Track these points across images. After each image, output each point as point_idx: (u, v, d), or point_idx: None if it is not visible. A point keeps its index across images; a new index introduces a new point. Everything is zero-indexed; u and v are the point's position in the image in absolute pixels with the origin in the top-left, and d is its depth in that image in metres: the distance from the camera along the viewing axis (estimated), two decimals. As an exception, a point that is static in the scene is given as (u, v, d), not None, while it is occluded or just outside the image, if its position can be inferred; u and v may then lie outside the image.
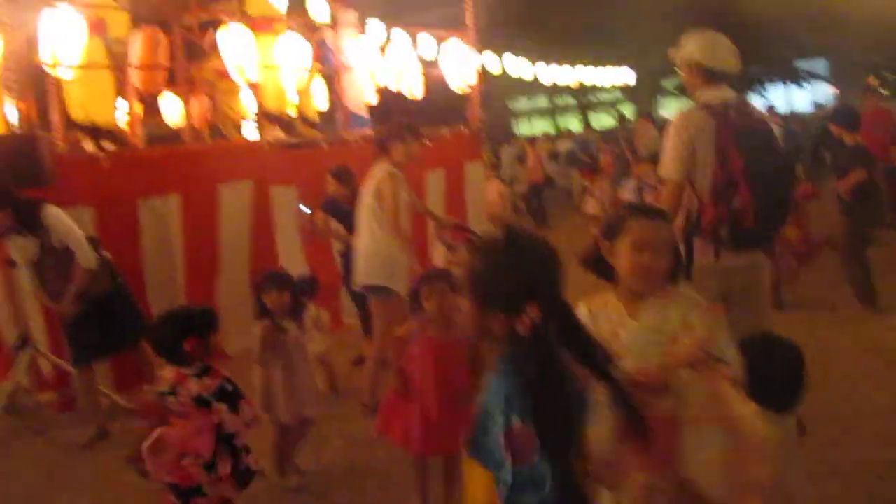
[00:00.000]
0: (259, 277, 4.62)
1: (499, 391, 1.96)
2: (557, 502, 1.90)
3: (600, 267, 2.62)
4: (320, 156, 8.24)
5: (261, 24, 8.22)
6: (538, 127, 33.93)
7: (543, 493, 1.89)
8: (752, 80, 30.22)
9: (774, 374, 2.72)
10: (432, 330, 3.87)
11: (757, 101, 31.64)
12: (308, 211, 6.79)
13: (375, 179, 5.61)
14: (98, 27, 7.42)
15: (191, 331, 3.57)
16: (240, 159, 7.83)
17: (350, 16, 9.94)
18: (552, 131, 29.50)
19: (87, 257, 5.48)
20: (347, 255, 6.85)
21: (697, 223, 3.92)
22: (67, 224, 5.50)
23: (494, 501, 1.99)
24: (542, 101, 35.98)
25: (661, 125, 17.70)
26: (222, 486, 3.53)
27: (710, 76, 4.07)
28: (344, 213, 6.73)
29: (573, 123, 31.67)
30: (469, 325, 2.04)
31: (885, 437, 4.56)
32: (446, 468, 3.98)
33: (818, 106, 28.96)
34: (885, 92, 22.85)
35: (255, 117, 8.81)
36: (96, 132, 7.57)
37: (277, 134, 8.50)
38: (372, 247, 5.60)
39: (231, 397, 3.58)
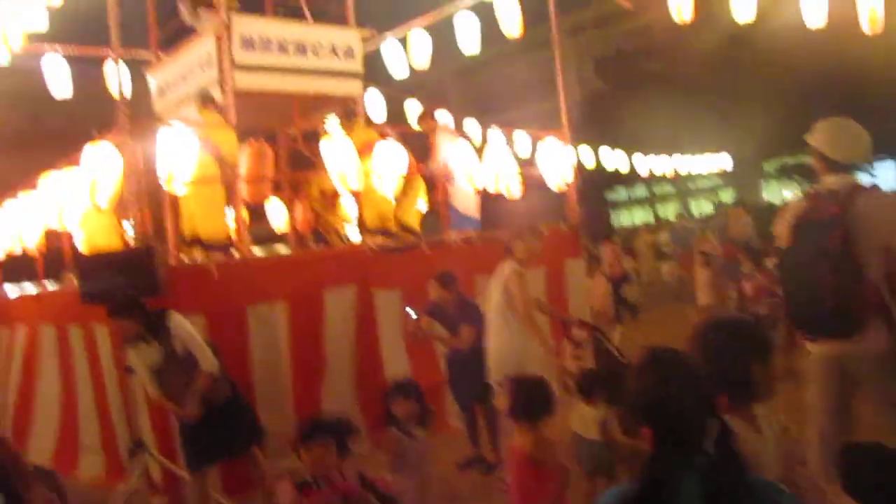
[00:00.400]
0: (387, 387, 4.79)
1: None
2: None
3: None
4: (422, 259, 8.34)
5: (362, 150, 8.50)
6: (638, 217, 33.71)
7: None
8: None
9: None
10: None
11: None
12: (414, 315, 6.86)
13: (502, 278, 5.92)
14: (208, 143, 7.83)
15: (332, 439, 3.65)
16: (343, 265, 7.98)
17: (447, 118, 10.19)
18: (651, 220, 29.25)
19: (209, 362, 5.67)
20: (452, 358, 6.85)
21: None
22: (191, 331, 5.74)
23: None
24: (640, 191, 35.83)
25: (765, 210, 17.38)
26: None
27: (832, 165, 4.11)
28: (448, 316, 6.77)
29: (672, 211, 31.33)
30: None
31: None
32: None
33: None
34: None
35: (356, 223, 9.00)
36: (208, 244, 7.88)
37: (379, 238, 8.65)
38: (505, 343, 5.86)
39: None
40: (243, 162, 8.13)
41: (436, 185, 9.41)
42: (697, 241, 15.52)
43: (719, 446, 1.99)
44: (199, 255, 7.82)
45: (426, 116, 9.91)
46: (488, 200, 10.26)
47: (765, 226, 15.63)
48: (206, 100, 8.19)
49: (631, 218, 34.71)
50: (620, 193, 35.83)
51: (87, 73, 11.24)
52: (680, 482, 1.90)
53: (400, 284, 8.08)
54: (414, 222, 9.56)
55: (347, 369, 7.63)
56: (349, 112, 9.21)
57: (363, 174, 7.80)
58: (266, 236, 10.82)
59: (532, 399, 4.10)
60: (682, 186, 31.68)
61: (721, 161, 22.21)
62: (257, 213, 10.34)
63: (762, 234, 15.69)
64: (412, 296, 7.88)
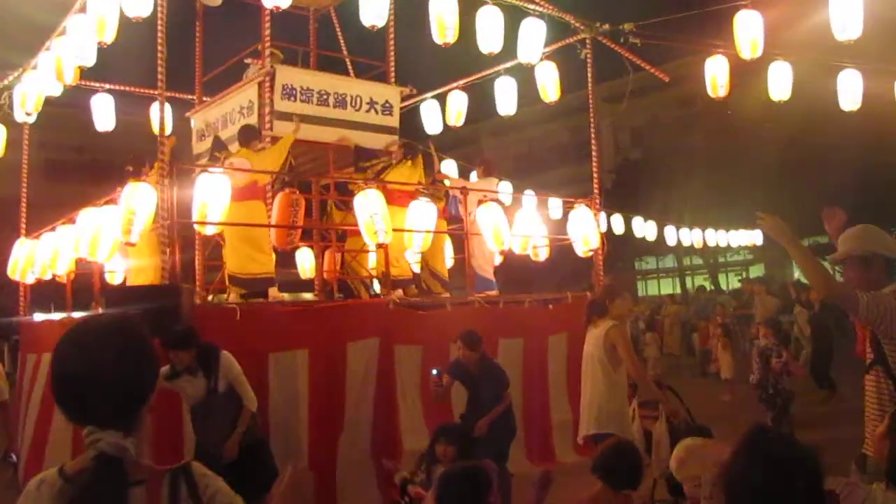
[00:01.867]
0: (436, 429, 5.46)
1: None
2: None
3: None
4: (444, 316, 8.36)
5: (396, 197, 8.62)
6: (665, 288, 33.59)
7: None
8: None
9: None
10: None
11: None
12: (436, 373, 6.87)
13: (603, 334, 6.15)
14: (254, 190, 8.05)
15: None
16: (367, 317, 8.01)
17: (486, 182, 10.31)
18: (678, 291, 29.13)
19: (252, 400, 5.81)
20: (466, 417, 6.82)
21: None
22: (238, 369, 5.86)
23: None
24: (669, 262, 35.73)
25: (790, 286, 17.24)
26: None
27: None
28: (470, 376, 6.77)
29: (703, 283, 31.18)
30: None
31: None
32: None
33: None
34: None
35: (381, 277, 9.09)
36: (245, 280, 8.03)
37: (402, 293, 8.72)
38: (605, 397, 6.07)
39: None
40: (275, 209, 8.26)
41: (465, 244, 9.47)
42: (718, 313, 15.50)
43: None
44: (235, 296, 7.95)
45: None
46: (513, 263, 10.33)
47: (791, 303, 15.57)
48: (248, 137, 8.36)
49: (658, 289, 34.57)
50: (650, 263, 35.74)
51: (132, 110, 11.56)
52: None
53: (422, 341, 8.09)
54: (444, 271, 9.66)
55: (364, 422, 7.60)
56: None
57: (392, 228, 7.89)
58: (293, 283, 10.95)
59: (626, 464, 4.14)
60: (712, 259, 31.53)
61: (752, 236, 22.14)
62: (286, 259, 10.46)
63: (787, 311, 15.62)
64: (433, 353, 7.89)
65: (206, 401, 5.88)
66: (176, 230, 7.13)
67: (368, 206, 7.72)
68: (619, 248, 19.47)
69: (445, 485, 3.54)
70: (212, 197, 7.15)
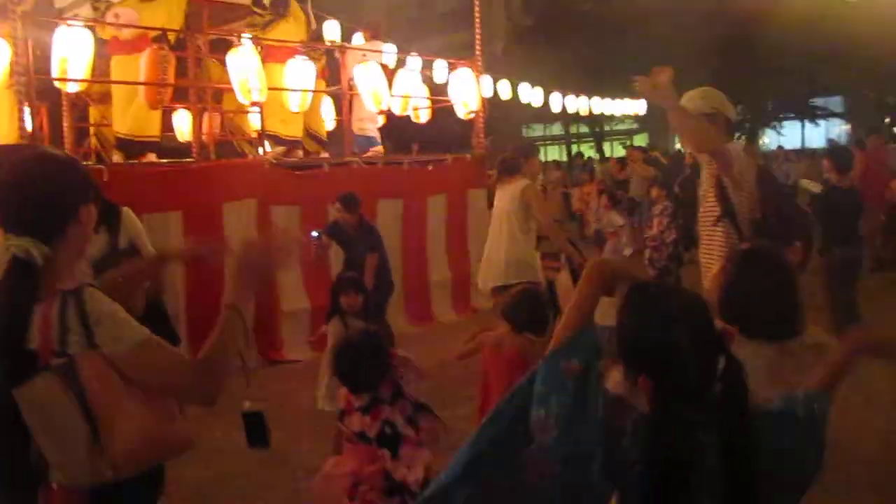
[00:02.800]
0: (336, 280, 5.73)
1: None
2: None
3: None
4: (321, 176, 8.31)
5: (273, 54, 8.37)
6: (552, 154, 34.08)
7: None
8: (768, 115, 30.33)
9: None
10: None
11: (772, 137, 31.81)
12: (316, 235, 6.87)
13: (518, 191, 6.29)
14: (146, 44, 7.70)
15: None
16: (242, 178, 7.89)
17: (372, 45, 10.10)
18: (564, 159, 29.67)
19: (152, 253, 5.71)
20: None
21: None
22: (140, 225, 5.71)
23: None
24: (557, 130, 36.15)
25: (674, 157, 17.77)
26: None
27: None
28: (347, 237, 6.82)
29: (588, 152, 31.77)
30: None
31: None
32: None
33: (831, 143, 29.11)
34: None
35: (259, 136, 8.93)
36: (126, 141, 7.76)
37: (280, 154, 8.61)
38: (516, 250, 6.29)
39: (392, 441, 3.36)
40: (142, 67, 7.90)
41: (344, 104, 9.35)
42: (591, 179, 15.90)
43: (726, 384, 1.69)
44: (117, 156, 7.70)
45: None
46: (397, 125, 10.28)
47: (669, 173, 16.04)
48: None
49: (545, 155, 35.00)
50: (536, 130, 36.06)
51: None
52: (690, 437, 1.66)
53: (299, 202, 8.04)
54: (322, 131, 9.56)
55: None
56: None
57: (268, 86, 7.70)
58: (171, 149, 10.55)
59: (530, 308, 4.27)
60: (598, 128, 32.03)
61: (637, 106, 22.48)
62: (164, 122, 10.09)
63: (665, 181, 16.10)
64: (311, 214, 7.89)
65: (106, 258, 5.68)
66: (34, 87, 6.78)
67: (242, 63, 7.50)
68: (505, 114, 19.51)
69: (340, 354, 3.52)
70: (73, 52, 6.80)
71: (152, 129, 8.01)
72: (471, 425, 4.20)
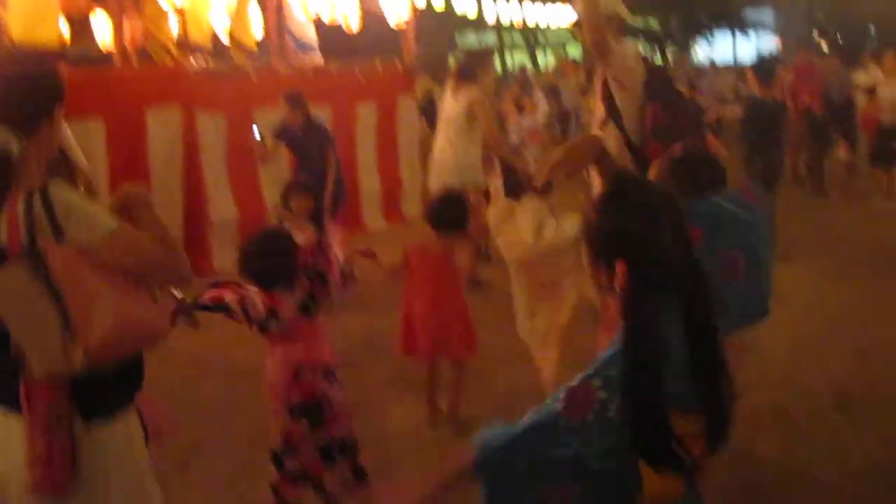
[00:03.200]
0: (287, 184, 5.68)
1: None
2: None
3: None
4: (248, 83, 8.19)
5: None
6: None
7: None
8: (699, 27, 30.46)
9: None
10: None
11: (703, 49, 32.01)
12: (259, 136, 6.78)
13: (467, 100, 6.58)
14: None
15: None
16: (165, 84, 7.74)
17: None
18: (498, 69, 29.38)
19: (84, 160, 5.55)
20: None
21: None
22: (68, 130, 5.53)
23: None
24: (490, 38, 35.75)
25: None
26: None
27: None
28: (295, 137, 6.76)
29: (523, 62, 31.58)
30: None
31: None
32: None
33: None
34: (825, 48, 23.18)
35: (182, 43, 8.71)
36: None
37: (203, 61, 8.44)
38: (461, 153, 6.67)
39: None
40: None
41: (267, 10, 9.15)
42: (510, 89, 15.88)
43: (693, 282, 1.77)
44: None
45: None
46: (331, 35, 10.13)
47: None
48: None
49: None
50: (470, 39, 35.61)
51: None
52: (661, 326, 1.71)
53: (225, 108, 7.92)
54: (250, 41, 9.36)
55: (174, 191, 7.52)
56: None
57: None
58: (92, 59, 10.15)
59: (451, 210, 4.34)
60: (532, 37, 31.78)
61: (572, 15, 22.27)
62: (83, 28, 9.71)
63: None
64: (238, 121, 7.80)
65: None
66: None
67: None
68: (439, 23, 19.25)
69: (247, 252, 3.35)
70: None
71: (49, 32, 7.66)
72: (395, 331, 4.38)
